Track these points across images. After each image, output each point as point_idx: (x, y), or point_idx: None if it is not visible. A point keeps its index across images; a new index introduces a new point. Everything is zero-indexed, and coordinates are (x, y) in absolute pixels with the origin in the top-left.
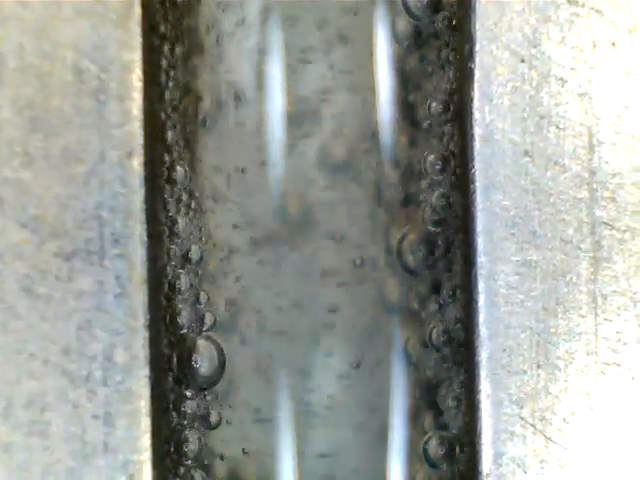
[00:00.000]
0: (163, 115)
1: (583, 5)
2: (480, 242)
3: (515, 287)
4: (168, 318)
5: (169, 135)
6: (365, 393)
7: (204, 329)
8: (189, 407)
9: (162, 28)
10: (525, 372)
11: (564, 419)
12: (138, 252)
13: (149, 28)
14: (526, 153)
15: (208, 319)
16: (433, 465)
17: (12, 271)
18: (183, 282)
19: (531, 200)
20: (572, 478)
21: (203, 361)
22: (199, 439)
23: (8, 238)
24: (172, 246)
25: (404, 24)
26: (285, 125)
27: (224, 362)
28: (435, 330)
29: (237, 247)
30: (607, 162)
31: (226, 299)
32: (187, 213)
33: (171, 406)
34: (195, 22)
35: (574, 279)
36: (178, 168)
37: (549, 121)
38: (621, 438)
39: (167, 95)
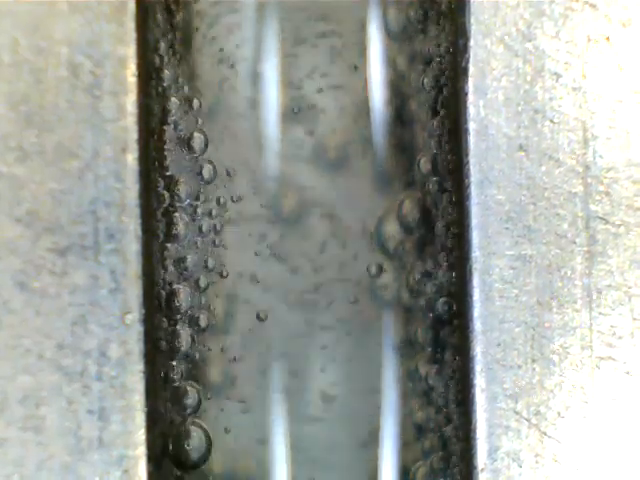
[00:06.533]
0: (158, 110)
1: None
2: (475, 236)
3: (510, 281)
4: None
5: (164, 130)
6: (360, 389)
7: (200, 328)
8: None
9: (157, 23)
10: (520, 367)
11: (559, 413)
12: (133, 247)
13: (143, 23)
14: (520, 147)
15: (202, 321)
16: (428, 459)
17: (7, 266)
18: (178, 276)
19: (526, 194)
20: (567, 472)
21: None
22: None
23: (3, 233)
24: (167, 243)
25: (398, 18)
26: (280, 119)
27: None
28: (427, 325)
29: (233, 242)
30: (601, 156)
31: (224, 291)
32: (182, 207)
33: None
34: (190, 16)
35: (569, 273)
36: (173, 163)
37: (543, 115)
38: (616, 432)
39: (162, 90)
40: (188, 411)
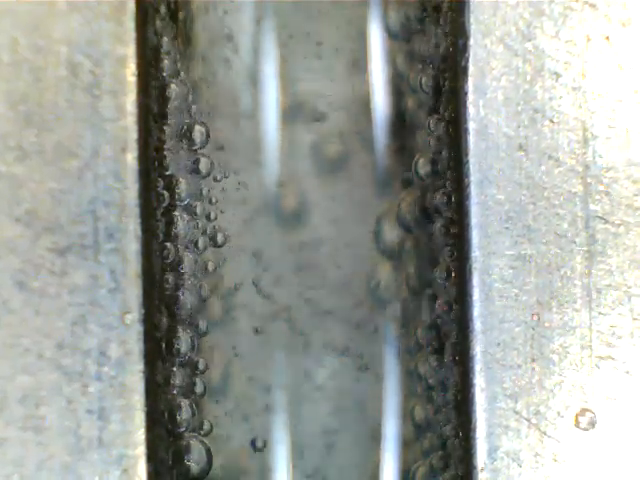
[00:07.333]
0: (158, 110)
1: None
2: (474, 236)
3: (509, 281)
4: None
5: (164, 129)
6: (359, 390)
7: (201, 331)
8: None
9: (156, 22)
10: (519, 366)
11: (558, 413)
12: (132, 247)
13: (143, 22)
14: (520, 147)
15: (202, 323)
16: (427, 459)
17: (6, 266)
18: (176, 277)
19: (525, 194)
20: (566, 472)
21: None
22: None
23: (2, 233)
24: (167, 243)
25: (398, 18)
26: (279, 119)
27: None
28: (426, 323)
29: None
30: (601, 156)
31: (225, 289)
32: (182, 208)
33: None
34: (190, 15)
35: (568, 273)
36: (172, 162)
37: (543, 115)
38: (615, 432)
39: (162, 90)
40: (185, 425)
